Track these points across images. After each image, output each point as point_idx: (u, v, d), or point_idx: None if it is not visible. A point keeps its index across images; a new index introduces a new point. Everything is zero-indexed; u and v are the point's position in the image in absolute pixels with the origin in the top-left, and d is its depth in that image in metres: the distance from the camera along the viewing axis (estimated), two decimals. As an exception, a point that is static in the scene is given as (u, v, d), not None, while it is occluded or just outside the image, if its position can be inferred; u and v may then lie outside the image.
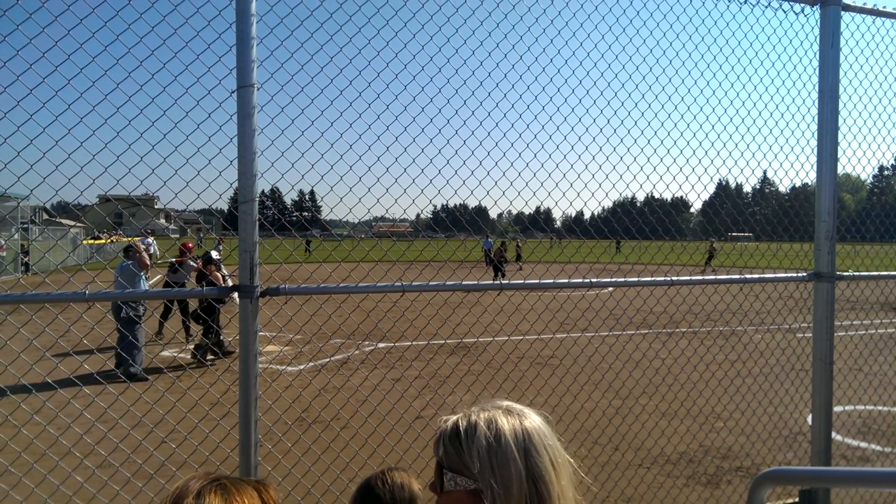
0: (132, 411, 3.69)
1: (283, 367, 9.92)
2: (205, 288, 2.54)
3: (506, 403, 1.38)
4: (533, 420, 1.34)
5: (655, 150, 3.83)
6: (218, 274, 10.63)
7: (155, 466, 4.06)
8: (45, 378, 3.38)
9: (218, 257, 11.12)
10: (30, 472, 3.73)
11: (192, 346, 10.60)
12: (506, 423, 1.30)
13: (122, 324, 8.98)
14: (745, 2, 3.64)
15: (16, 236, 27.23)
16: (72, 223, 41.12)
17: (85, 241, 37.55)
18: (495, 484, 1.24)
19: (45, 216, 39.34)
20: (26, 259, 26.58)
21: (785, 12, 3.73)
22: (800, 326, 13.94)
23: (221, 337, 10.50)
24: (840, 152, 3.67)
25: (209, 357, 10.33)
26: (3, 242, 26.27)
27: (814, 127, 3.73)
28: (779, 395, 4.81)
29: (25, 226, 28.47)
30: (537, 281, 3.24)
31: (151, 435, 4.37)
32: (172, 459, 4.22)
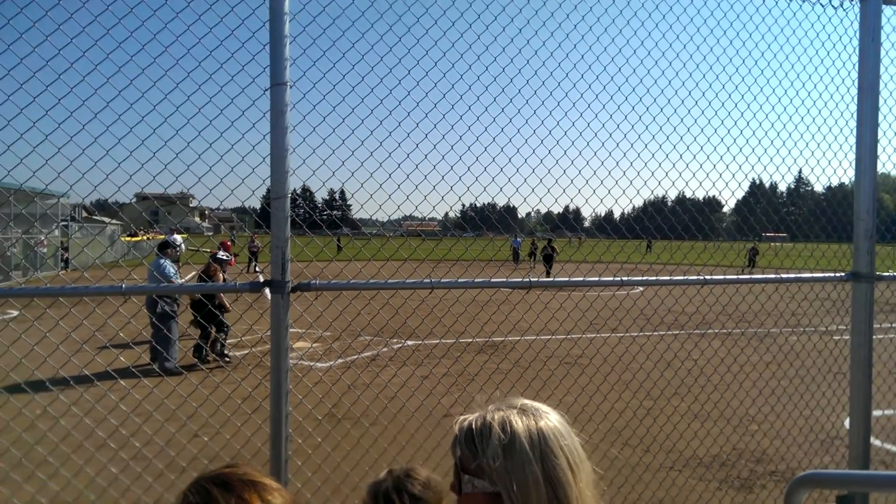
0: (166, 404, 3.77)
1: (313, 363, 10.03)
2: (238, 283, 2.57)
3: (521, 402, 1.33)
4: (549, 419, 1.29)
5: (688, 147, 3.76)
6: (219, 275, 10.86)
7: (187, 459, 4.14)
8: (83, 370, 3.47)
9: (224, 257, 11.31)
10: (66, 463, 3.82)
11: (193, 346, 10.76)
12: (520, 425, 1.25)
13: (157, 318, 9.17)
14: (783, -4, 3.56)
15: (56, 232, 28.01)
16: (109, 220, 42.13)
17: (122, 238, 38.45)
18: (512, 489, 1.20)
19: (84, 213, 40.35)
20: (66, 255, 27.34)
21: (823, 6, 3.63)
22: (837, 328, 13.59)
23: (225, 341, 10.58)
24: (879, 150, 3.57)
25: (210, 358, 10.40)
26: (44, 238, 27.04)
27: (852, 123, 3.62)
28: (815, 398, 4.69)
29: (65, 222, 29.24)
30: (567, 279, 3.21)
31: (184, 428, 4.46)
32: (204, 452, 4.30)
